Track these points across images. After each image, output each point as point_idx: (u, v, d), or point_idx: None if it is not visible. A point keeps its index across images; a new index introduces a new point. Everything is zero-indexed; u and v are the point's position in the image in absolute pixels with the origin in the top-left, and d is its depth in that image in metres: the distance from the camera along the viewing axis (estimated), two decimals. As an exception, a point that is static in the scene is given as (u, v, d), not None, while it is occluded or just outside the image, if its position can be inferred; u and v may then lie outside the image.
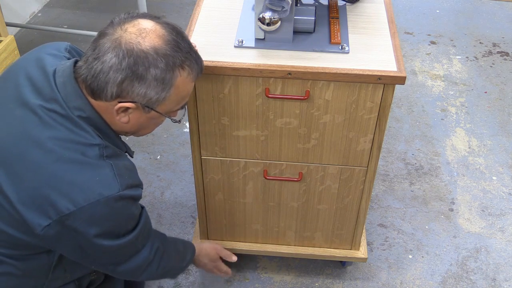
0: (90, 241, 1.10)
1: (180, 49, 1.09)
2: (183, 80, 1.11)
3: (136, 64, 1.04)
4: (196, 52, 1.14)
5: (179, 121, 1.23)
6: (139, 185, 1.17)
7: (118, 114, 1.11)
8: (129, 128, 1.17)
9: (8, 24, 2.40)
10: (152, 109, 1.11)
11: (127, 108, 1.10)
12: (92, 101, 1.10)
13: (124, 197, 1.09)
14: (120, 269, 1.24)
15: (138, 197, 1.15)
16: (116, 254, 1.18)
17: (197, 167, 1.53)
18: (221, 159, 1.50)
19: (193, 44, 1.15)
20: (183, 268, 1.47)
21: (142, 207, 1.22)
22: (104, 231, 1.10)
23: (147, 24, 1.09)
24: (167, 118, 1.19)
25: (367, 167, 1.50)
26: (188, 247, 1.49)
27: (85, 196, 1.05)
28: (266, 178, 1.53)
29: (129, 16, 1.11)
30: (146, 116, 1.14)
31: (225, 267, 1.64)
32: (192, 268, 1.84)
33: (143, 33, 1.06)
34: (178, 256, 1.42)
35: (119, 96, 1.08)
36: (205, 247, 1.60)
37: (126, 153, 1.25)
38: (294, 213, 1.62)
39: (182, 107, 1.19)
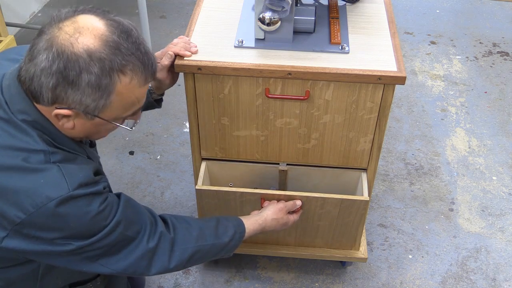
0: (58, 246, 1.02)
1: (121, 52, 0.96)
2: (126, 86, 0.99)
3: (67, 68, 0.94)
4: (145, 54, 1.01)
5: (132, 128, 1.11)
6: (97, 182, 1.06)
7: (60, 120, 1.01)
8: (77, 134, 1.07)
9: (8, 24, 2.40)
10: (95, 115, 1.01)
11: (67, 115, 1.00)
12: (36, 104, 1.01)
13: (77, 196, 1.00)
14: (116, 266, 1.12)
15: (98, 192, 1.05)
16: (97, 247, 1.08)
17: (197, 167, 1.53)
18: (216, 190, 1.46)
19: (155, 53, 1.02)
20: (226, 244, 1.29)
21: (119, 195, 1.12)
22: (66, 234, 1.02)
23: (87, 22, 0.97)
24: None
25: (367, 167, 1.50)
26: (229, 220, 1.33)
27: (32, 202, 0.98)
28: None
29: (71, 11, 0.99)
30: (91, 123, 1.03)
31: (294, 217, 1.48)
32: (192, 268, 1.84)
33: (77, 33, 0.95)
34: (203, 234, 1.25)
35: (55, 101, 0.98)
36: (269, 218, 1.40)
37: (89, 159, 1.15)
38: (293, 227, 1.59)
39: (134, 113, 1.07)
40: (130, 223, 1.12)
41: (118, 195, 1.13)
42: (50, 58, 0.94)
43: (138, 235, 1.14)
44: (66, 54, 0.94)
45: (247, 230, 1.35)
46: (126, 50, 0.97)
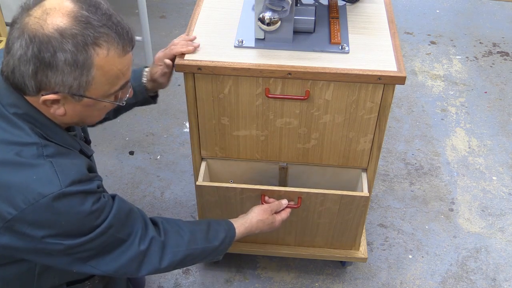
0: (48, 244, 1.02)
1: (92, 25, 0.95)
2: (104, 59, 0.98)
3: (41, 51, 0.94)
4: (118, 23, 0.99)
5: (123, 103, 1.09)
6: (91, 179, 1.06)
7: (50, 107, 1.01)
8: (70, 120, 1.06)
9: (8, 24, 2.40)
10: (82, 96, 1.00)
11: (55, 100, 1.00)
12: (25, 97, 1.01)
13: (69, 194, 1.00)
14: (107, 267, 1.12)
15: (91, 191, 1.04)
16: (88, 248, 1.08)
17: (197, 167, 1.53)
18: (217, 186, 1.46)
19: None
20: (216, 248, 1.29)
21: (114, 197, 1.12)
22: (57, 232, 1.02)
23: (53, 3, 0.96)
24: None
25: (367, 167, 1.50)
26: (221, 224, 1.33)
27: (23, 198, 0.98)
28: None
29: None
30: (81, 105, 1.02)
31: (282, 215, 1.46)
32: (192, 268, 1.84)
33: (45, 15, 0.94)
34: (195, 237, 1.25)
35: (40, 89, 0.98)
36: (255, 219, 1.39)
37: (89, 155, 1.15)
38: (293, 225, 1.60)
39: (122, 87, 1.05)
40: (122, 226, 1.12)
41: (113, 197, 1.13)
42: (24, 44, 0.94)
43: (129, 237, 1.14)
44: (38, 37, 0.94)
45: (236, 234, 1.35)
46: (97, 22, 0.96)
